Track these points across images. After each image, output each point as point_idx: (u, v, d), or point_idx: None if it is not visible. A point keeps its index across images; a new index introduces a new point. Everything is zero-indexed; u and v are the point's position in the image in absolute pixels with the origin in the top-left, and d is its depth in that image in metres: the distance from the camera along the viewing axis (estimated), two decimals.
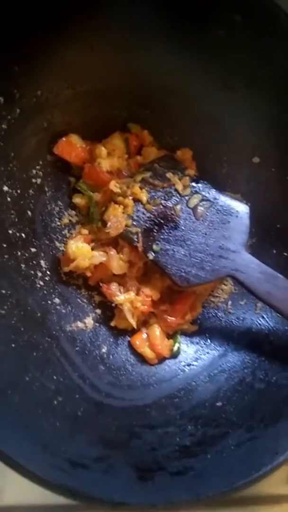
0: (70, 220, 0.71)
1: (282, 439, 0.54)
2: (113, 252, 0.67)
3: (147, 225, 0.66)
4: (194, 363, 0.69)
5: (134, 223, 0.66)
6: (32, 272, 0.65)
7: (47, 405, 0.54)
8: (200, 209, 0.66)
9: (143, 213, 0.66)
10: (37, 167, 0.67)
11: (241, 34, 0.60)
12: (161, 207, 0.66)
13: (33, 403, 0.53)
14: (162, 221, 0.66)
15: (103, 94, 0.67)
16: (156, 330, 0.69)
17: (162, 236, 0.65)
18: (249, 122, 0.67)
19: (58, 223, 0.70)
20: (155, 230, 0.66)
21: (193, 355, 0.70)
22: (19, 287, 0.62)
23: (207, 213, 0.66)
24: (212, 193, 0.67)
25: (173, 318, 0.69)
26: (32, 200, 0.66)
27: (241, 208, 0.66)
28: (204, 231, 0.65)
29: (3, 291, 0.59)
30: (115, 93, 0.68)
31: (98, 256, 0.67)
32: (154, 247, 0.65)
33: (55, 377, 0.59)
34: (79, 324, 0.67)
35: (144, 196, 0.66)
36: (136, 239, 0.65)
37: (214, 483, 0.52)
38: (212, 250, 0.65)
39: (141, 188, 0.66)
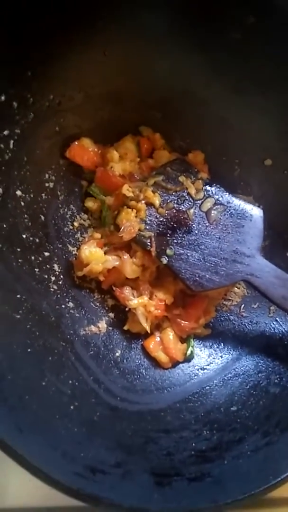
0: (82, 224, 0.71)
1: None
2: (126, 256, 0.67)
3: (160, 229, 0.66)
4: (208, 367, 0.69)
5: (147, 227, 0.65)
6: (46, 276, 0.65)
7: (64, 410, 0.54)
8: (213, 213, 0.66)
9: (156, 217, 0.66)
10: (50, 171, 0.67)
11: (255, 37, 0.60)
12: (174, 211, 0.66)
13: (50, 408, 0.53)
14: (175, 225, 0.66)
15: (115, 98, 0.67)
16: (170, 334, 0.69)
17: (175, 241, 0.65)
18: (261, 125, 0.67)
19: (71, 227, 0.70)
20: (168, 234, 0.65)
21: (207, 359, 0.69)
22: (33, 291, 0.62)
23: (221, 217, 0.66)
24: (226, 197, 0.66)
25: (186, 322, 0.68)
26: (45, 204, 0.66)
27: (255, 212, 0.66)
28: (218, 235, 0.65)
29: (18, 296, 0.59)
30: (127, 97, 0.68)
31: (111, 261, 0.66)
32: (168, 251, 0.65)
33: (70, 382, 0.58)
34: (93, 328, 0.67)
35: (156, 200, 0.66)
36: (149, 244, 0.65)
37: (231, 489, 0.52)
38: (226, 255, 0.64)
39: (153, 192, 0.66)
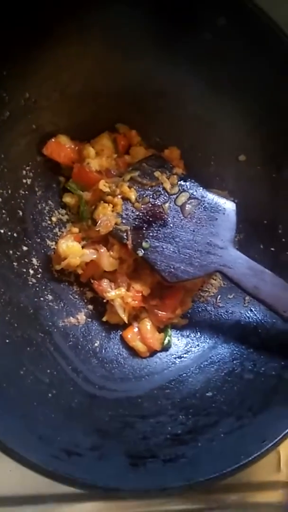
0: (60, 219, 0.73)
1: (270, 427, 0.56)
2: (103, 249, 0.69)
3: (136, 223, 0.68)
4: (185, 355, 0.71)
5: (123, 221, 0.67)
6: (24, 269, 0.67)
7: (42, 397, 0.56)
8: (188, 207, 0.68)
9: (132, 212, 0.68)
10: (27, 167, 0.68)
11: (226, 37, 0.62)
12: (150, 205, 0.68)
13: (28, 395, 0.55)
14: (151, 219, 0.68)
15: (91, 96, 0.69)
16: (147, 324, 0.71)
17: (151, 234, 0.67)
18: (235, 122, 0.69)
19: (49, 222, 0.72)
20: (144, 228, 0.67)
21: (184, 348, 0.72)
22: (11, 285, 0.63)
23: (195, 211, 0.68)
24: (200, 191, 0.69)
25: (163, 313, 0.71)
26: (23, 200, 0.68)
27: (228, 205, 0.68)
28: (192, 228, 0.67)
29: None
30: (103, 95, 0.69)
31: (89, 254, 0.68)
32: (144, 244, 0.67)
33: (49, 371, 0.60)
34: (72, 319, 0.69)
35: (132, 194, 0.68)
36: (125, 237, 0.67)
37: (204, 470, 0.54)
38: (200, 247, 0.66)
39: (129, 187, 0.68)
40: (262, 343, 0.67)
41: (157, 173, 0.69)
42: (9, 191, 0.66)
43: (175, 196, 0.68)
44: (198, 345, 0.72)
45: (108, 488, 0.49)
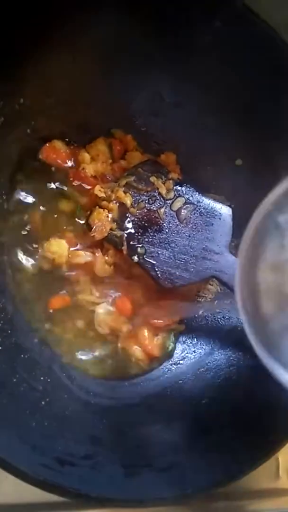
0: None
1: (266, 436, 0.56)
2: (99, 254, 0.68)
3: (131, 228, 0.67)
4: (181, 362, 0.70)
5: (119, 226, 0.67)
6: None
7: (34, 405, 0.56)
8: (183, 212, 0.68)
9: (128, 217, 0.67)
10: (21, 172, 0.68)
11: (222, 42, 0.61)
12: (145, 210, 0.68)
13: (21, 403, 0.54)
14: (146, 224, 0.67)
15: (86, 102, 0.68)
16: (144, 331, 0.70)
17: (146, 239, 0.67)
18: (231, 126, 0.69)
19: None
20: (139, 233, 0.67)
21: (180, 354, 0.71)
22: (5, 292, 0.63)
23: (191, 216, 0.67)
24: (196, 196, 0.68)
25: (160, 321, 0.70)
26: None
27: (224, 210, 0.68)
28: (188, 234, 0.67)
29: None
30: (98, 100, 0.69)
31: (85, 256, 0.68)
32: (139, 250, 0.67)
33: (42, 378, 0.60)
34: None
35: (128, 200, 0.67)
36: (120, 243, 0.67)
37: (200, 478, 0.54)
38: (196, 252, 0.66)
39: (125, 192, 0.68)
40: None
41: (152, 178, 0.69)
42: (4, 197, 0.66)
43: (170, 201, 0.68)
44: (194, 351, 0.71)
45: (102, 498, 0.48)
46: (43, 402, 0.56)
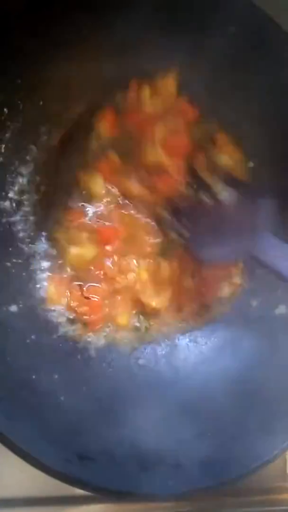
0: None
1: (276, 434, 0.57)
2: None
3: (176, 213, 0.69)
4: (195, 359, 0.71)
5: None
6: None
7: (54, 402, 0.57)
8: (226, 198, 0.68)
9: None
10: (41, 174, 0.69)
11: (234, 44, 0.62)
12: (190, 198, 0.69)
13: (41, 399, 0.56)
14: (189, 210, 0.69)
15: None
16: None
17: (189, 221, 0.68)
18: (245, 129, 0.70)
19: None
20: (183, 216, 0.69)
21: (195, 350, 0.72)
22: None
23: (233, 201, 0.67)
24: (238, 184, 0.69)
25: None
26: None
27: (264, 195, 0.67)
28: (229, 213, 0.67)
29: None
30: None
31: None
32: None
33: (60, 376, 0.61)
34: None
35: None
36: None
37: (213, 475, 0.55)
38: (236, 232, 0.65)
39: None
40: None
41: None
42: (25, 196, 0.68)
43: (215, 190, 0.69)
44: (208, 349, 0.72)
45: (120, 492, 0.50)
46: (62, 398, 0.58)
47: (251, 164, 0.72)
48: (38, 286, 0.68)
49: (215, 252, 0.66)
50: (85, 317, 0.69)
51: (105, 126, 0.70)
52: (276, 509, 0.72)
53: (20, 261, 0.67)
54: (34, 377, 0.58)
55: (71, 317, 0.69)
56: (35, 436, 0.51)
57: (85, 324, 0.70)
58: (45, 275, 0.69)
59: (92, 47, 0.64)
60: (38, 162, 0.68)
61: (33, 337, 0.62)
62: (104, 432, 0.57)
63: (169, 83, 0.71)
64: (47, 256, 0.69)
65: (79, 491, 0.51)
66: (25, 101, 0.63)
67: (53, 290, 0.69)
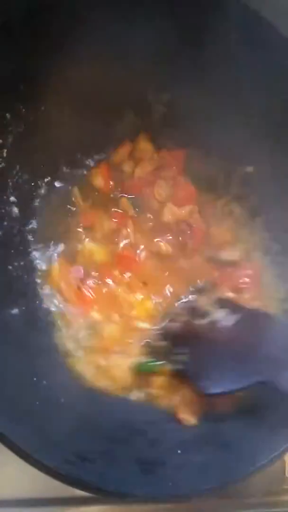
0: None
1: (278, 436, 0.57)
2: None
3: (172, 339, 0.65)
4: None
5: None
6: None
7: (54, 404, 0.58)
8: (225, 321, 0.63)
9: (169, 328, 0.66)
10: (44, 179, 0.71)
11: (234, 47, 0.62)
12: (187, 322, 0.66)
13: (42, 402, 0.56)
14: (188, 334, 0.64)
15: (105, 109, 0.70)
16: None
17: (187, 349, 0.63)
18: (243, 134, 0.70)
19: None
20: (180, 343, 0.64)
21: None
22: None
23: (235, 323, 0.63)
24: (238, 307, 0.64)
25: None
26: (37, 210, 0.71)
27: (269, 316, 0.63)
28: (230, 338, 0.61)
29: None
30: (118, 108, 0.71)
31: None
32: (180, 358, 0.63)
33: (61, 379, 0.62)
34: None
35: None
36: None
37: (213, 477, 0.55)
38: (241, 357, 0.59)
39: None
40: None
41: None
42: (24, 203, 0.68)
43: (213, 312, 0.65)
44: None
45: (120, 493, 0.50)
46: (62, 400, 0.58)
47: (250, 169, 0.73)
48: (39, 288, 0.69)
49: (218, 381, 0.59)
50: None
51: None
52: (275, 511, 0.72)
53: (22, 263, 0.68)
54: (35, 379, 0.58)
55: None
56: (35, 437, 0.51)
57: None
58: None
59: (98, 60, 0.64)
60: None
61: (33, 339, 0.63)
62: (104, 433, 0.57)
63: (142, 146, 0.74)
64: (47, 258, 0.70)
65: (79, 492, 0.51)
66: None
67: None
